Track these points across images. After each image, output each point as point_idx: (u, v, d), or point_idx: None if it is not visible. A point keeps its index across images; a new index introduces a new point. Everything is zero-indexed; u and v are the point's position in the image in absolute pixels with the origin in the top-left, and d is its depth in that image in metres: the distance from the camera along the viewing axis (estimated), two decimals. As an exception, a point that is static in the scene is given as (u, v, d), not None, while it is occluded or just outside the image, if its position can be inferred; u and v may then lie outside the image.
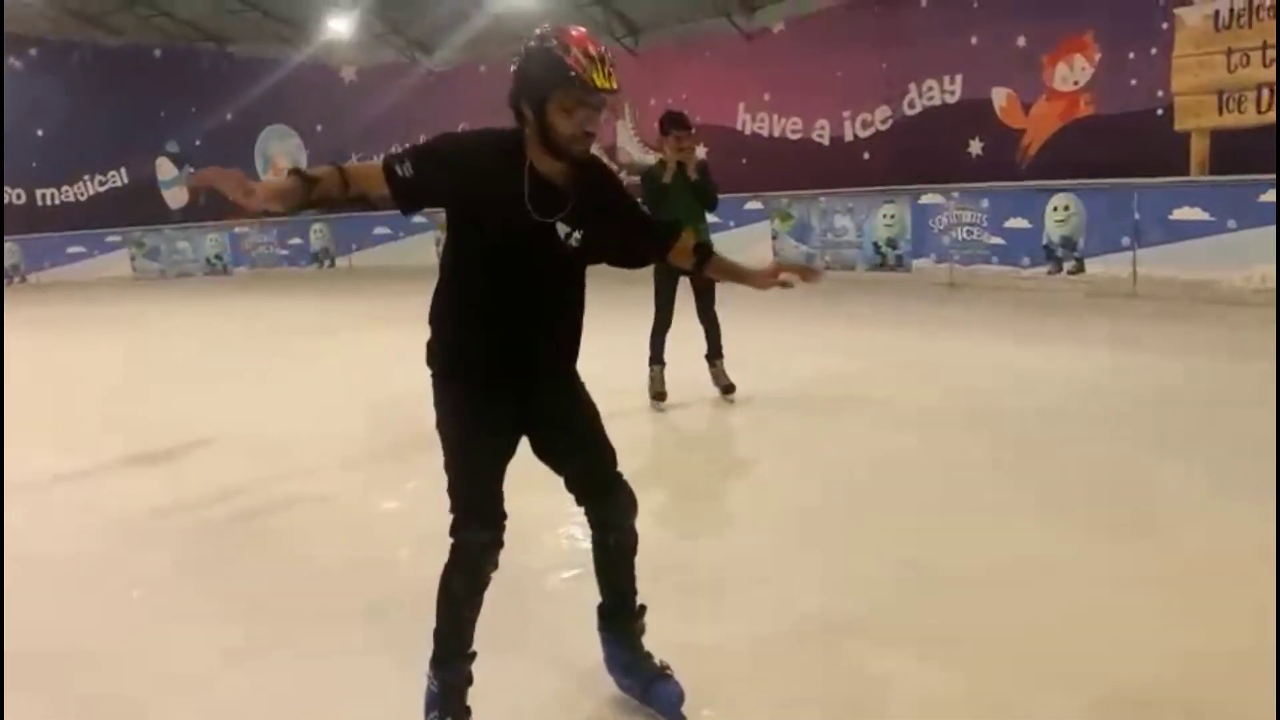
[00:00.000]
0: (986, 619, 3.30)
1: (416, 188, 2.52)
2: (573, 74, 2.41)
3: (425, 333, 2.72)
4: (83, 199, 17.84)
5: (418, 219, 15.52)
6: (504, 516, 2.65)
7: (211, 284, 16.58)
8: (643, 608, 2.90)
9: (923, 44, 11.75)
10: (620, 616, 2.89)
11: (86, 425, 6.88)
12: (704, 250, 2.88)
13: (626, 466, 2.81)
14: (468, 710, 2.70)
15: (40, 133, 17.40)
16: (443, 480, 2.66)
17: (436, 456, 2.69)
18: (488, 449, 2.64)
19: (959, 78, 11.53)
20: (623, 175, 14.59)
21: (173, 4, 16.14)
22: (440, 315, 2.69)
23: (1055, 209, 10.22)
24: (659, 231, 2.91)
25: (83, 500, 5.22)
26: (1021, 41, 10.88)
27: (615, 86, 2.47)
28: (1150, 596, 3.37)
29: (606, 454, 2.78)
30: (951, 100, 11.65)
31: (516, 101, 2.52)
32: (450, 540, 2.65)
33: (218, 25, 16.76)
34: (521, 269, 2.58)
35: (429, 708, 2.69)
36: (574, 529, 4.39)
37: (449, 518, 2.65)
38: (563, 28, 2.51)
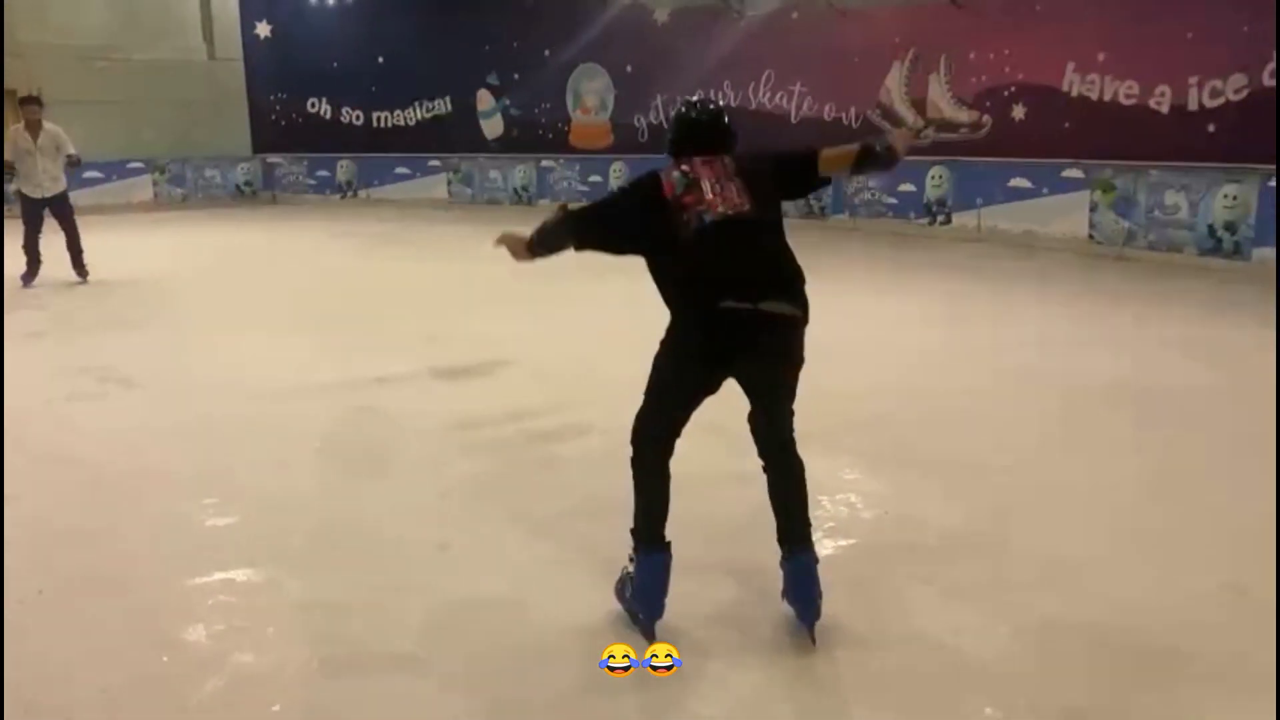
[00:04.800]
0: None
1: None
2: None
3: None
4: (411, 124, 19.23)
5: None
6: None
7: (518, 213, 17.47)
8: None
9: (1296, 4, 10.35)
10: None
11: (402, 337, 7.46)
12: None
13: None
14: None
15: (380, 59, 18.87)
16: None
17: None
18: None
19: (1338, 46, 10.10)
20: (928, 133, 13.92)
21: (505, -58, 16.93)
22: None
23: None
24: None
25: (397, 408, 5.68)
26: None
27: None
28: None
29: None
30: (1325, 71, 10.24)
31: None
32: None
33: (544, -36, 17.45)
34: None
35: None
36: (852, 496, 4.32)
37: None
38: None
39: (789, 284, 3.08)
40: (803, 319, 3.08)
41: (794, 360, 3.11)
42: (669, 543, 3.14)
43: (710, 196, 3.05)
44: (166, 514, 4.14)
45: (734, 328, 2.99)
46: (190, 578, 3.56)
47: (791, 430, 3.17)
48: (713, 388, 3.15)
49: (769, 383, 3.13)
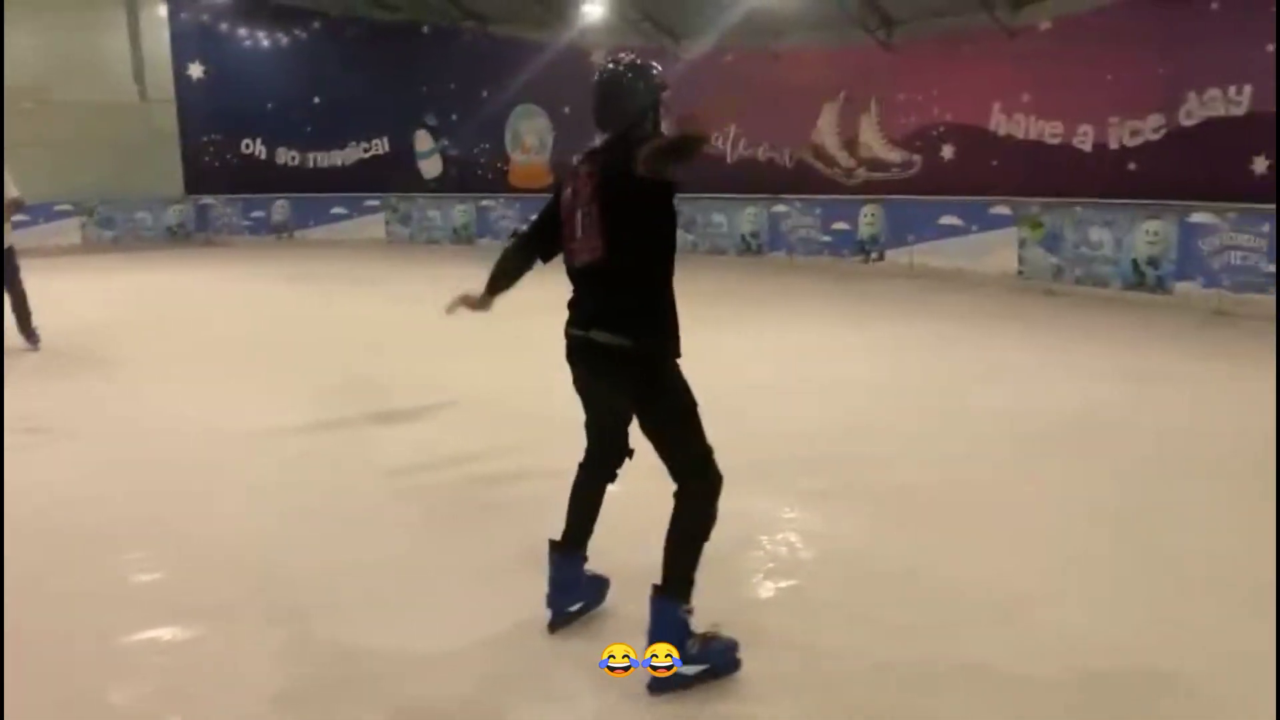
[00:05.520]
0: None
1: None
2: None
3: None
4: (348, 164, 19.14)
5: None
6: None
7: (458, 252, 17.41)
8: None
9: (1208, 49, 10.78)
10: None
11: (341, 380, 7.36)
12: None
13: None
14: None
15: (316, 100, 18.77)
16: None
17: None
18: None
19: (1247, 88, 10.50)
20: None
21: (441, -17, 16.99)
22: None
23: (1352, 238, 9.16)
24: None
25: (337, 453, 5.60)
26: (1327, 50, 9.79)
27: None
28: None
29: None
30: (1237, 112, 10.64)
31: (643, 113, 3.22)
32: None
33: (479, 4, 17.54)
34: None
35: None
36: (792, 535, 4.34)
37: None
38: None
39: (619, 317, 3.09)
40: (632, 351, 3.05)
41: (638, 393, 3.12)
42: (575, 550, 3.41)
43: (578, 238, 3.18)
44: (92, 569, 4.02)
45: (576, 352, 3.25)
46: (117, 636, 3.45)
47: (678, 470, 3.11)
48: (608, 406, 3.29)
49: (636, 412, 3.17)
